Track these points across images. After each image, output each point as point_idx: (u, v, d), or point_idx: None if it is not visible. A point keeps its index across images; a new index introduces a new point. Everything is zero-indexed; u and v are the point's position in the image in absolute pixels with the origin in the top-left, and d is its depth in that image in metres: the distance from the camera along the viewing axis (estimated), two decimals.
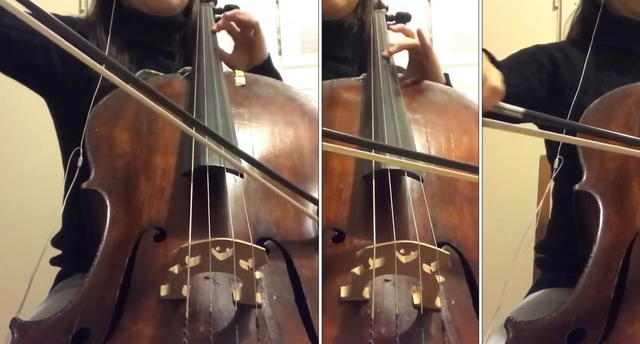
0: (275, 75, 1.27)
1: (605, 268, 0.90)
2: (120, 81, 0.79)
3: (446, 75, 1.29)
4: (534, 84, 1.21)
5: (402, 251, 0.82)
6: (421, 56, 1.23)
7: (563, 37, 1.35)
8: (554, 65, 1.22)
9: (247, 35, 1.24)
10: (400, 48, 1.24)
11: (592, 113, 1.09)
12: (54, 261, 1.19)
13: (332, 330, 0.80)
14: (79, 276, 1.15)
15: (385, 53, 1.23)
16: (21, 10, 0.71)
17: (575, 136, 0.96)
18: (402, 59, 1.29)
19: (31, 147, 1.86)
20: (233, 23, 1.24)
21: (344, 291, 0.83)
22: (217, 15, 1.30)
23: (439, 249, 0.83)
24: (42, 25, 0.72)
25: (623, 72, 1.21)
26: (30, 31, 0.78)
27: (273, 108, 1.12)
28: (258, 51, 1.26)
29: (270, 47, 1.31)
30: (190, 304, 0.78)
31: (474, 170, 0.91)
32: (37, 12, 0.72)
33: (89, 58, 0.75)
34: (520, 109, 0.85)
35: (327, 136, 0.87)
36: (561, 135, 0.89)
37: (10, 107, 1.84)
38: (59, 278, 1.20)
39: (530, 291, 1.23)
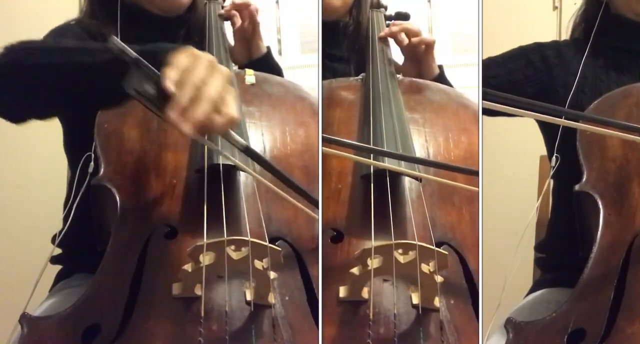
0: (276, 70, 1.27)
1: (605, 268, 0.90)
2: None
3: (440, 66, 1.30)
4: (518, 78, 1.22)
5: (400, 251, 0.82)
6: (416, 47, 1.26)
7: (563, 37, 1.35)
8: (546, 64, 1.23)
9: (247, 29, 1.25)
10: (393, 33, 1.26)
11: (592, 113, 1.09)
12: (53, 260, 1.18)
13: (331, 330, 0.80)
14: (79, 276, 1.15)
15: (381, 34, 1.27)
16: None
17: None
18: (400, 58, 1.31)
19: (30, 147, 1.86)
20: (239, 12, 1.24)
21: (342, 291, 0.83)
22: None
23: (437, 248, 0.83)
24: None
25: (622, 71, 1.21)
26: None
27: (284, 107, 1.11)
28: (255, 46, 1.27)
29: (270, 47, 1.31)
30: (203, 303, 0.78)
31: (474, 173, 0.92)
32: None
33: None
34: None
35: (327, 141, 0.87)
36: (555, 118, 0.88)
37: None
38: (59, 278, 1.19)
39: (530, 291, 1.23)
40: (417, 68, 1.28)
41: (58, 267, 1.21)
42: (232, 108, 0.81)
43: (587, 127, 0.90)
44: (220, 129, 0.81)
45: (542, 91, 1.22)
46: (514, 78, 1.22)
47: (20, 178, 1.89)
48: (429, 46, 1.27)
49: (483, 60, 1.23)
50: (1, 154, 1.89)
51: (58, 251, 1.19)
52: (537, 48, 1.26)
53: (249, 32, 1.26)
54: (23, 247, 1.77)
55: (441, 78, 1.29)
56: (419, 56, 1.28)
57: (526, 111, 0.83)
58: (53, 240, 1.16)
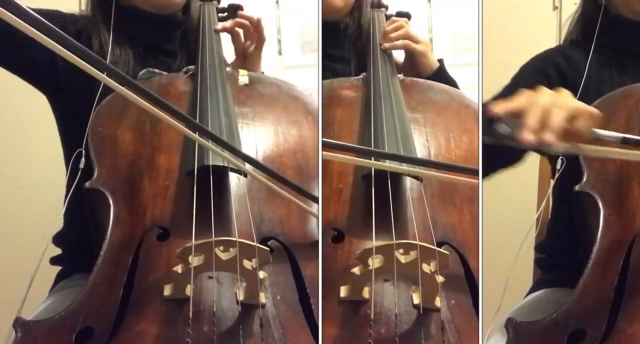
0: None
1: (606, 268, 0.90)
2: (122, 88, 0.79)
3: (440, 60, 1.31)
4: None
5: (401, 251, 0.82)
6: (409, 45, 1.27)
7: (562, 37, 1.35)
8: (559, 72, 1.22)
9: (248, 46, 1.25)
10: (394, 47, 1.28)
11: None
12: (53, 261, 1.19)
13: (332, 330, 0.80)
14: (79, 276, 1.15)
15: (386, 46, 1.28)
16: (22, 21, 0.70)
17: None
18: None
19: (31, 147, 1.86)
20: (243, 23, 1.24)
21: (343, 291, 0.83)
22: (220, 15, 1.30)
23: (438, 249, 0.83)
24: (43, 35, 0.72)
25: (624, 72, 1.21)
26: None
27: (277, 107, 1.11)
28: (250, 65, 1.26)
29: (270, 47, 1.31)
30: (193, 304, 0.78)
31: (474, 173, 0.92)
32: (38, 22, 0.72)
33: (90, 66, 0.75)
34: (619, 135, 0.83)
35: (327, 145, 0.88)
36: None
37: (10, 108, 1.84)
38: (59, 278, 1.19)
39: (530, 291, 1.23)
40: (414, 63, 1.29)
41: (58, 267, 1.21)
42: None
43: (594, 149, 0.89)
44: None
45: None
46: None
47: (20, 178, 1.89)
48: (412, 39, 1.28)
49: (506, 89, 1.21)
50: (1, 154, 1.88)
51: (55, 251, 1.19)
52: (547, 60, 1.24)
53: (251, 50, 1.25)
54: (23, 247, 1.77)
55: (441, 72, 1.30)
56: (409, 51, 1.29)
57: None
58: (54, 241, 1.16)
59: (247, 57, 1.25)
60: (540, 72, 1.23)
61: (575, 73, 1.20)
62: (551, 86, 1.19)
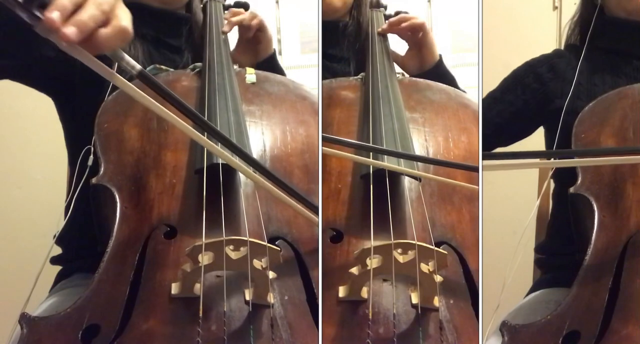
0: (279, 72, 1.27)
1: (600, 269, 0.90)
2: (131, 85, 0.78)
3: (439, 55, 1.32)
4: (518, 106, 1.24)
5: (399, 250, 0.82)
6: (416, 33, 1.28)
7: (562, 38, 1.36)
8: (540, 82, 1.23)
9: (256, 34, 1.25)
10: (391, 26, 1.31)
11: (587, 116, 1.10)
12: (53, 260, 1.19)
13: (330, 330, 0.80)
14: (80, 276, 1.15)
15: (380, 30, 1.30)
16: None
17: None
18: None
19: (31, 147, 1.86)
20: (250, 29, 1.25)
21: (342, 291, 0.83)
22: (226, 12, 1.30)
23: (436, 248, 0.83)
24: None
25: (617, 75, 1.21)
26: None
27: (284, 106, 1.11)
28: (264, 48, 1.27)
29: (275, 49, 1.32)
30: (202, 303, 0.78)
31: (473, 169, 0.92)
32: None
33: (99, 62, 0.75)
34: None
35: (328, 140, 0.87)
36: (557, 161, 0.91)
37: (10, 108, 1.85)
38: (59, 278, 1.20)
39: (530, 292, 1.23)
40: (419, 54, 1.30)
41: (59, 267, 1.21)
42: (123, 20, 0.73)
43: (587, 161, 0.91)
44: (107, 42, 0.71)
45: (540, 107, 1.23)
46: (515, 108, 1.24)
47: (20, 178, 1.90)
48: (422, 29, 1.30)
49: (484, 99, 1.26)
50: (1, 154, 1.89)
51: (58, 250, 1.19)
52: (529, 69, 1.26)
53: (257, 37, 1.26)
54: (23, 247, 1.78)
55: (440, 64, 1.31)
56: (419, 42, 1.30)
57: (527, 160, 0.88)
58: (55, 240, 1.16)
59: (259, 41, 1.26)
60: (518, 81, 1.26)
61: (561, 83, 1.21)
62: (526, 96, 1.23)
